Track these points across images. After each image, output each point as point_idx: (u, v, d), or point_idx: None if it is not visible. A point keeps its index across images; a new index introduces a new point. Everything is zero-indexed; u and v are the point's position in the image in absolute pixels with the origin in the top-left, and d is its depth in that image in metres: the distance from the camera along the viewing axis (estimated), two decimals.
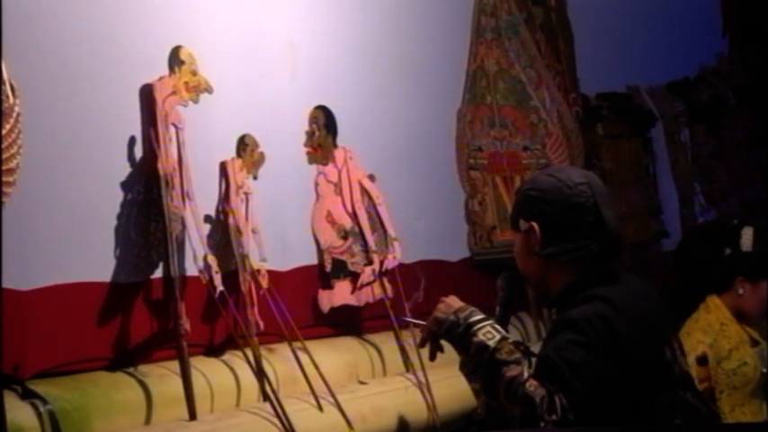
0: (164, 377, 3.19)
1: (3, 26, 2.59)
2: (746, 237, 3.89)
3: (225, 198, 3.52)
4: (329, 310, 3.91)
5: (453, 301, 2.55)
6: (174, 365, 3.18)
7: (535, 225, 2.50)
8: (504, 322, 2.59)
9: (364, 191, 4.12)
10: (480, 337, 2.42)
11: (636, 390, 2.35)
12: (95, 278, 3.11)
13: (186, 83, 3.36)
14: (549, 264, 2.52)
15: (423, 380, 3.94)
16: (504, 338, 2.42)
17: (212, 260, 3.33)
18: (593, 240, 2.48)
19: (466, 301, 4.72)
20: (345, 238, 4.01)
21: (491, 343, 2.40)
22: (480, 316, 2.49)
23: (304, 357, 3.51)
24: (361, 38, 4.28)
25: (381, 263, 4.08)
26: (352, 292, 4.00)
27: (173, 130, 3.29)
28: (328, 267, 3.94)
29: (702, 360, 3.77)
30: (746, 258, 3.91)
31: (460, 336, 2.46)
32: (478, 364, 2.41)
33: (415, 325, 2.65)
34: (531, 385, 2.31)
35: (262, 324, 3.45)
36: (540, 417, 2.29)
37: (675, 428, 2.41)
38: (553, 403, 2.29)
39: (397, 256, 4.13)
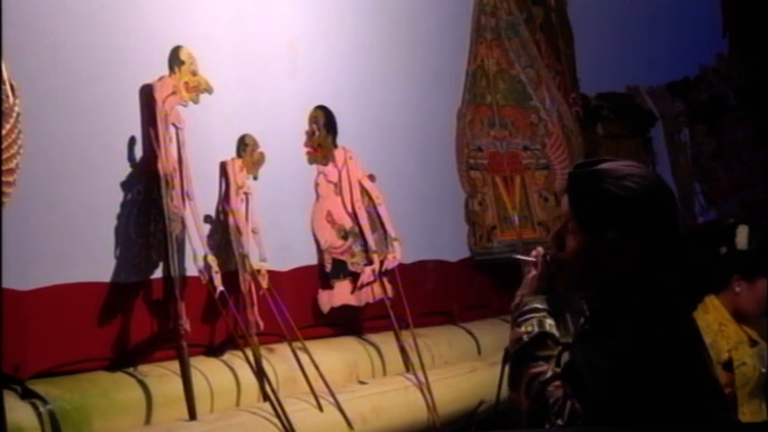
0: (164, 377, 3.18)
1: (3, 26, 2.59)
2: (742, 235, 3.88)
3: (225, 198, 3.52)
4: (329, 310, 3.92)
5: (534, 281, 2.46)
6: (174, 365, 3.18)
7: (631, 247, 2.28)
8: None
9: (364, 191, 4.12)
10: (521, 328, 2.38)
11: (664, 403, 2.27)
12: (95, 278, 3.11)
13: (186, 83, 3.36)
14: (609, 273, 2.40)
15: (423, 380, 3.94)
16: (542, 333, 2.37)
17: (212, 260, 3.33)
18: (657, 262, 2.32)
19: (466, 301, 4.72)
20: (345, 238, 4.01)
21: (526, 337, 2.36)
22: (533, 306, 2.41)
23: (304, 357, 3.51)
24: (361, 38, 4.28)
25: (381, 263, 4.08)
26: (352, 292, 4.00)
27: (173, 130, 3.29)
28: (328, 267, 3.95)
29: (728, 365, 3.76)
30: (742, 257, 3.90)
31: (511, 321, 2.44)
32: (511, 352, 2.38)
33: (525, 262, 2.55)
34: (551, 386, 2.27)
35: (262, 324, 3.45)
36: (547, 418, 2.27)
37: (676, 428, 2.38)
38: (563, 408, 2.25)
39: (396, 256, 4.13)
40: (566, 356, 2.37)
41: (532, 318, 2.39)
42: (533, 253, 2.52)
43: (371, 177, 4.15)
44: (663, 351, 2.24)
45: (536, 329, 2.36)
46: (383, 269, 4.09)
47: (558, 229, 2.43)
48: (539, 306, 2.42)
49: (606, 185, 2.31)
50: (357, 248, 4.05)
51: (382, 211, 4.15)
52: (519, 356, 2.35)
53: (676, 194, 6.12)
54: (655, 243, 2.31)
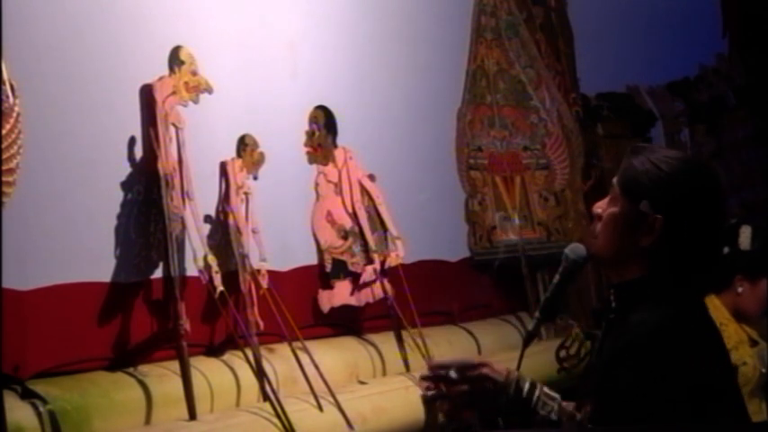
0: (164, 377, 3.18)
1: (3, 26, 2.59)
2: (744, 235, 3.88)
3: (225, 198, 3.52)
4: (329, 310, 3.91)
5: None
6: (174, 365, 3.18)
7: (661, 217, 2.28)
8: (555, 300, 2.51)
9: (364, 191, 4.12)
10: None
11: (678, 404, 2.23)
12: (95, 278, 3.11)
13: (186, 83, 3.36)
14: (641, 252, 2.33)
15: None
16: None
17: (212, 260, 3.33)
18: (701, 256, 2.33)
19: (466, 301, 4.72)
20: (345, 238, 4.01)
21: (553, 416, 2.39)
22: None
23: (304, 357, 3.51)
24: (361, 38, 4.28)
25: (382, 263, 4.09)
26: (352, 292, 4.00)
27: (173, 130, 3.29)
28: (328, 267, 3.94)
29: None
30: (745, 257, 3.91)
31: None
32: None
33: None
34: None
35: (262, 324, 3.45)
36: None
37: (676, 428, 2.37)
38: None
39: (400, 254, 4.12)
40: (587, 346, 2.36)
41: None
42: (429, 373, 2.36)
43: (371, 177, 4.15)
44: (683, 348, 2.23)
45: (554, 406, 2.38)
46: (385, 268, 4.09)
47: (605, 200, 2.46)
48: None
49: (651, 157, 2.35)
50: (357, 248, 4.05)
51: (383, 210, 4.15)
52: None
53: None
54: (685, 224, 2.32)
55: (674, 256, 2.31)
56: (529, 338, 2.47)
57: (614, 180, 2.43)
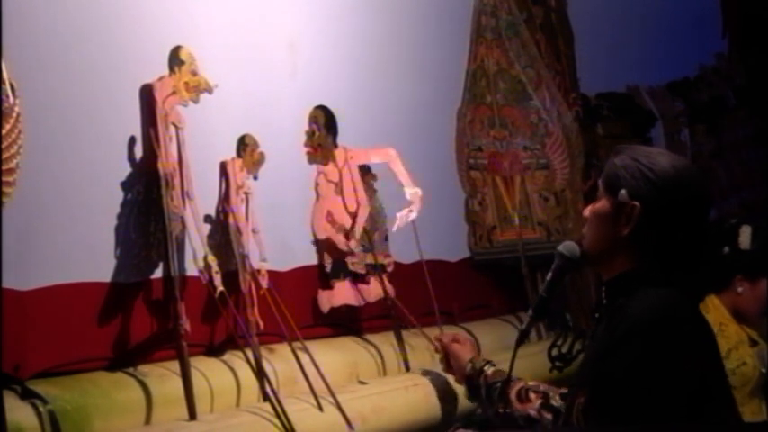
0: (164, 377, 3.18)
1: (3, 26, 2.59)
2: (744, 235, 3.89)
3: (225, 198, 3.52)
4: (329, 310, 3.91)
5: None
6: (174, 365, 3.18)
7: (638, 205, 2.37)
8: (548, 298, 2.53)
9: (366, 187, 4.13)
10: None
11: (679, 408, 2.24)
12: (95, 278, 3.11)
13: (186, 83, 3.36)
14: (625, 243, 2.41)
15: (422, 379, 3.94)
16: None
17: (212, 260, 3.33)
18: (681, 247, 2.40)
19: (466, 301, 4.75)
20: (346, 238, 4.01)
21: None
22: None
23: (304, 357, 3.51)
24: (361, 38, 4.28)
25: (383, 266, 4.09)
26: (352, 292, 4.00)
27: (173, 130, 3.29)
28: (328, 267, 3.94)
29: None
30: (745, 257, 3.91)
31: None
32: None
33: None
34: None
35: (262, 324, 3.45)
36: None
37: (676, 428, 2.38)
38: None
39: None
40: (578, 344, 2.40)
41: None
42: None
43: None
44: (674, 338, 2.25)
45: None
46: (384, 269, 4.10)
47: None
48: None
49: (630, 154, 2.44)
50: (357, 248, 4.05)
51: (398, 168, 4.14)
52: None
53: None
54: (662, 211, 2.36)
55: (656, 245, 2.35)
56: (522, 337, 2.50)
57: (599, 180, 2.50)
